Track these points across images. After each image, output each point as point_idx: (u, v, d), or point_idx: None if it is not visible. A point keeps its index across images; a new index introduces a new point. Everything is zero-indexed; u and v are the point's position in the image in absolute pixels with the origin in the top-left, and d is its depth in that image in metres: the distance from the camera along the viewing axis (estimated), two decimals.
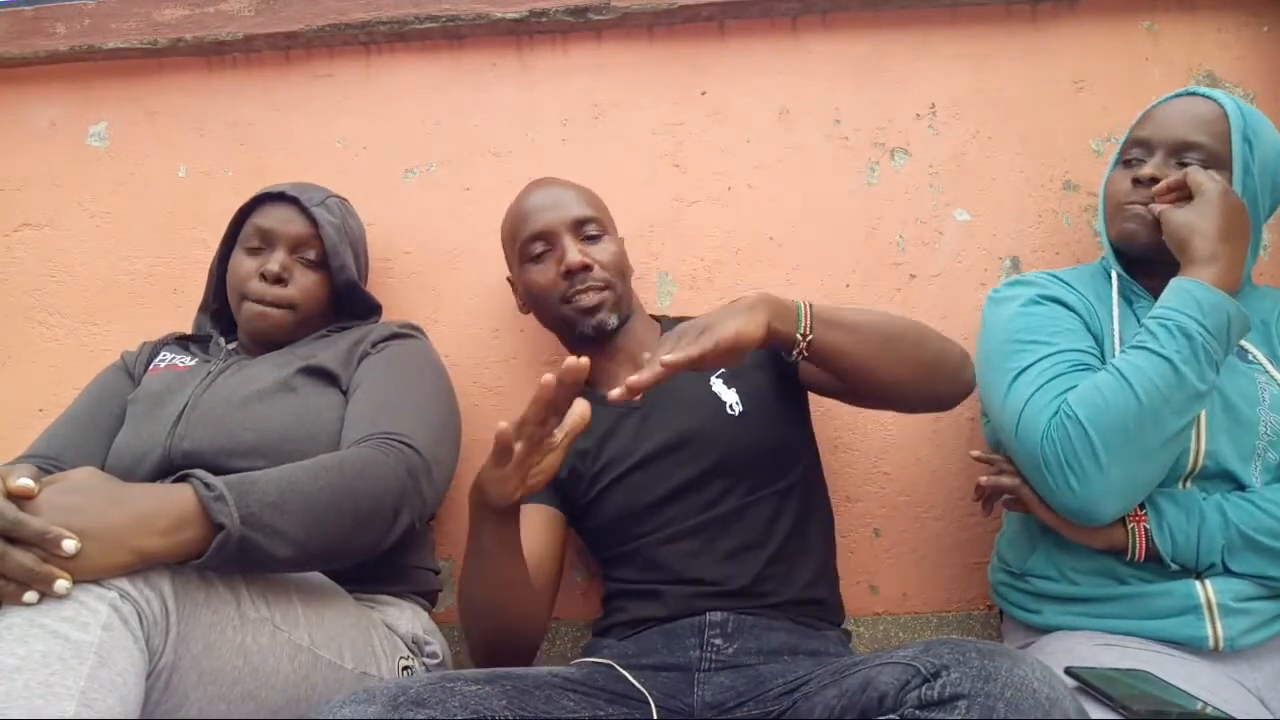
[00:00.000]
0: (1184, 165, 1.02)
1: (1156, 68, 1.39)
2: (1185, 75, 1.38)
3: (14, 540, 0.70)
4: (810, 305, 0.96)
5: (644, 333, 1.22)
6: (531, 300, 1.22)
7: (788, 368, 1.16)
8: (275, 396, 1.09)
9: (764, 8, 1.40)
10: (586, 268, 1.14)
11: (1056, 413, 0.94)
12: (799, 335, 0.94)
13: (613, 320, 1.16)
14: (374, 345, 1.17)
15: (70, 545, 0.70)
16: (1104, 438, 0.91)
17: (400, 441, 0.99)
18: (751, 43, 1.43)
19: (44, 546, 0.70)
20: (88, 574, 0.71)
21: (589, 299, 1.14)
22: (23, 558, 0.69)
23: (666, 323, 1.25)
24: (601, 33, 1.44)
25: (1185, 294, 0.93)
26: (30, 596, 0.69)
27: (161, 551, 0.76)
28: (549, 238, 1.17)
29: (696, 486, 1.08)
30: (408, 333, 1.22)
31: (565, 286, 1.15)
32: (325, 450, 1.04)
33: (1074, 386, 0.95)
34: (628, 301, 1.20)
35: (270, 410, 1.08)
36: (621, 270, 1.19)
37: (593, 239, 1.18)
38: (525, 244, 1.18)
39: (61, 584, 0.70)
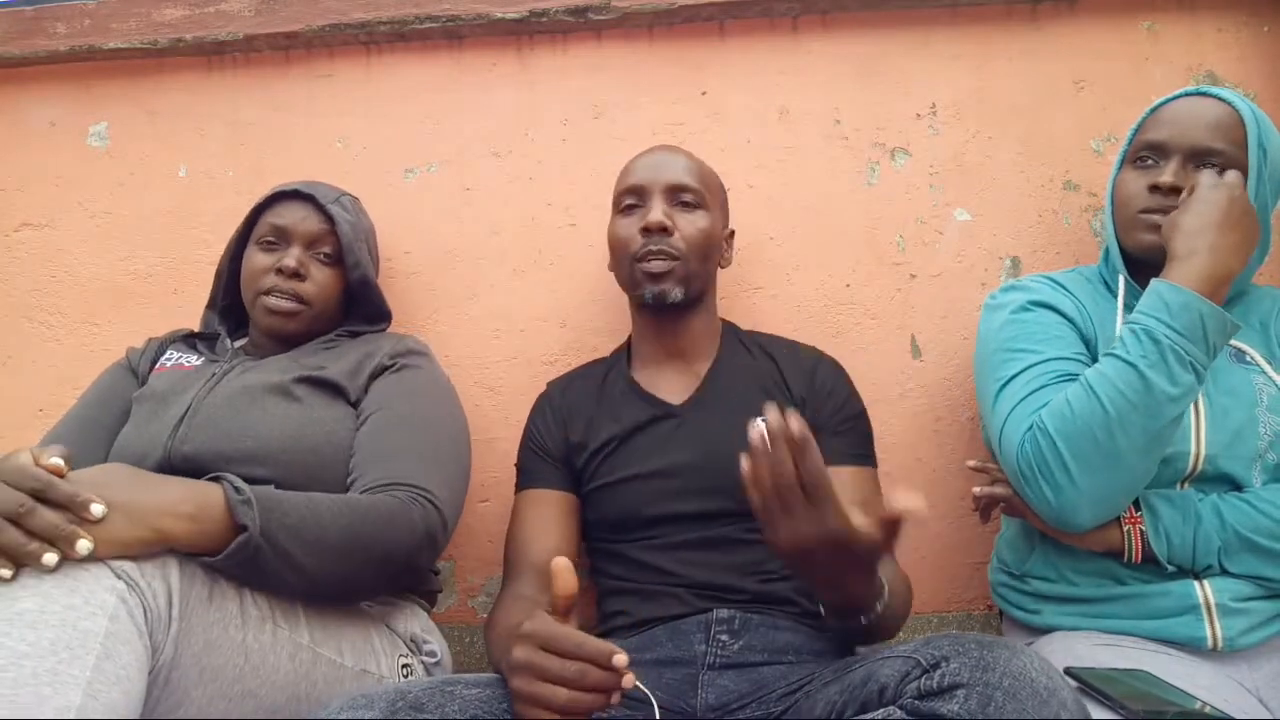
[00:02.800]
0: (1201, 170, 0.99)
1: (1156, 68, 1.39)
2: (1185, 75, 1.38)
3: (44, 501, 0.71)
4: None
5: (705, 330, 1.19)
6: (611, 252, 1.20)
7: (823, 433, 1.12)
8: (278, 404, 1.09)
9: (764, 8, 1.40)
10: (665, 230, 1.11)
11: (1031, 427, 0.95)
12: None
13: (676, 294, 1.11)
14: (388, 360, 1.16)
15: (98, 509, 0.72)
16: (1072, 449, 0.91)
17: (427, 499, 0.99)
18: (751, 43, 1.43)
19: (72, 509, 0.72)
20: (109, 545, 0.73)
21: (657, 265, 1.11)
22: (51, 516, 0.71)
23: (726, 326, 1.23)
24: (601, 33, 1.44)
25: (1155, 296, 0.92)
26: (50, 559, 0.70)
27: (181, 535, 0.77)
28: (642, 194, 1.15)
29: (715, 512, 1.07)
30: (417, 359, 1.20)
31: (640, 245, 1.13)
32: (325, 460, 1.05)
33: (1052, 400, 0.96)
34: (700, 283, 1.15)
35: (272, 418, 1.08)
36: (703, 249, 1.13)
37: (686, 207, 1.14)
38: (619, 195, 1.18)
39: (83, 544, 0.71)
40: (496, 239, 1.43)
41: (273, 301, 1.17)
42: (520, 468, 1.19)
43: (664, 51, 1.44)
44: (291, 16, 1.43)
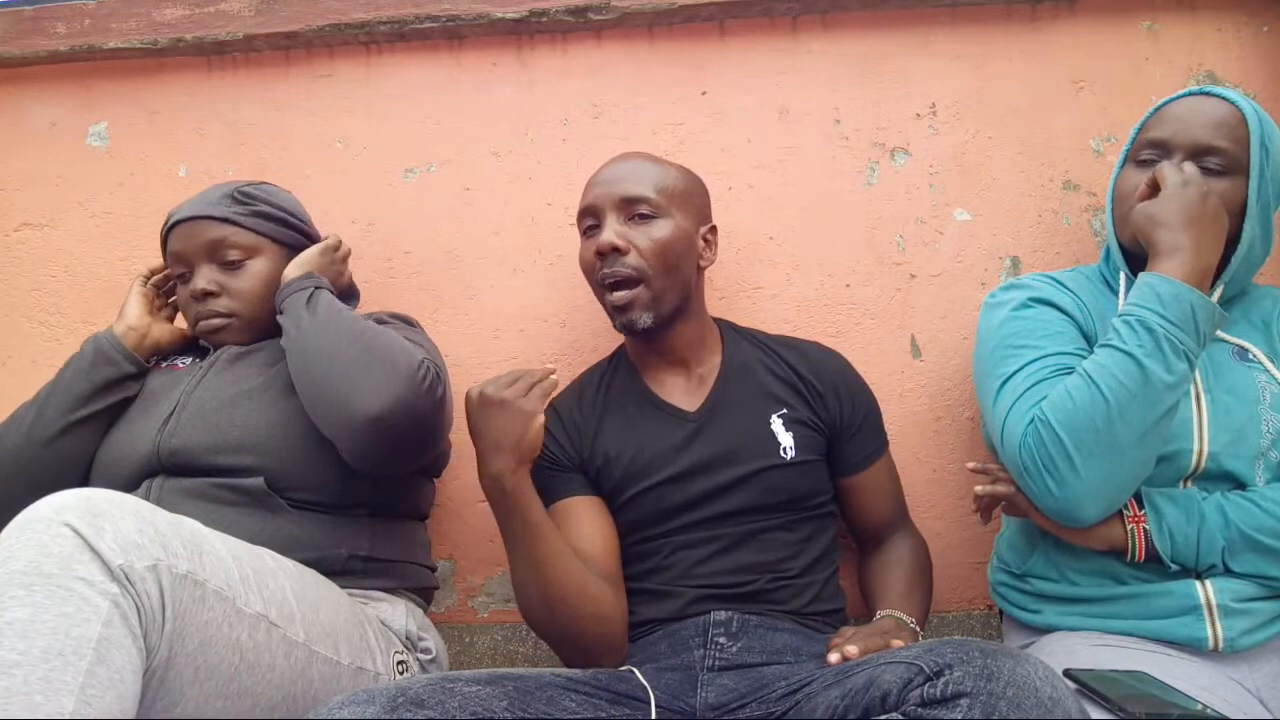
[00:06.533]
0: (1204, 169, 1.00)
1: (1156, 68, 1.39)
2: (1185, 75, 1.38)
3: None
4: None
5: (698, 335, 1.16)
6: (585, 276, 1.18)
7: (833, 444, 1.16)
8: (264, 395, 1.10)
9: (764, 8, 1.40)
10: (617, 250, 1.06)
11: (1032, 420, 0.95)
12: None
13: (645, 319, 1.08)
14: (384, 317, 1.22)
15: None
16: (1075, 439, 0.91)
17: (428, 356, 1.08)
18: (751, 43, 1.43)
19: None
20: None
21: (619, 296, 1.08)
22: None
23: (723, 325, 1.22)
24: (601, 33, 1.44)
25: (1147, 288, 0.93)
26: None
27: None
28: (597, 214, 1.11)
29: (728, 513, 1.08)
30: (410, 322, 1.26)
31: (598, 268, 1.10)
32: (311, 447, 1.06)
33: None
34: (674, 296, 1.10)
35: (259, 408, 1.08)
36: (666, 260, 1.08)
37: (643, 219, 1.08)
38: (579, 218, 1.15)
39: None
40: (496, 239, 1.43)
41: (203, 325, 1.18)
42: (540, 488, 1.16)
43: (664, 51, 1.44)
44: (291, 16, 1.43)
